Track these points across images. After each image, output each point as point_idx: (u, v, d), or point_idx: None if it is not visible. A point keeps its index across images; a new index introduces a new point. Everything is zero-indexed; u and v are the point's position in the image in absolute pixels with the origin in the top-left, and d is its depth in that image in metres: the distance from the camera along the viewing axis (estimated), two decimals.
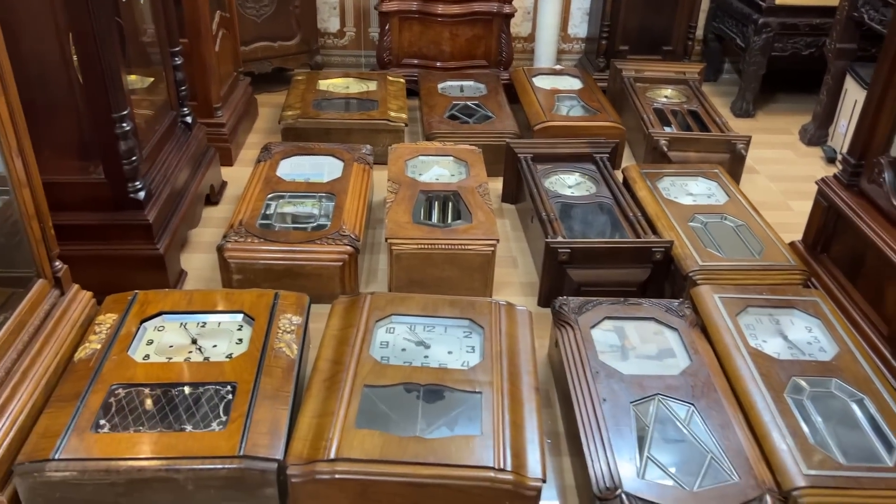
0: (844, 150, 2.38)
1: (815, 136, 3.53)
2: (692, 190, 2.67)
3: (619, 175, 2.84)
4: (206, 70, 2.96)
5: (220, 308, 1.96)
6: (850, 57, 3.31)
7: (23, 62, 1.92)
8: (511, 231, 2.83)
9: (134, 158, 2.15)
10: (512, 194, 2.96)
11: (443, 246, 2.29)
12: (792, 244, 2.50)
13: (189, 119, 2.70)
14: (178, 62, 2.61)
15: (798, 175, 3.25)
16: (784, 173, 3.28)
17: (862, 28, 3.22)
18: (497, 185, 3.01)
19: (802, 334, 1.96)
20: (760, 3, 3.55)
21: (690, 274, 2.19)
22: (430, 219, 2.51)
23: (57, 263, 1.87)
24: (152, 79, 2.60)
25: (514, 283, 2.54)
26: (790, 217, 2.89)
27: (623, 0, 3.76)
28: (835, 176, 2.35)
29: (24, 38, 1.98)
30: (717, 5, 4.08)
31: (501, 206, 2.98)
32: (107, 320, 1.88)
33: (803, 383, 1.78)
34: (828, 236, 2.34)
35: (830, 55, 3.36)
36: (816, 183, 2.40)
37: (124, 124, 2.08)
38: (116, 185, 2.15)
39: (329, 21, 4.16)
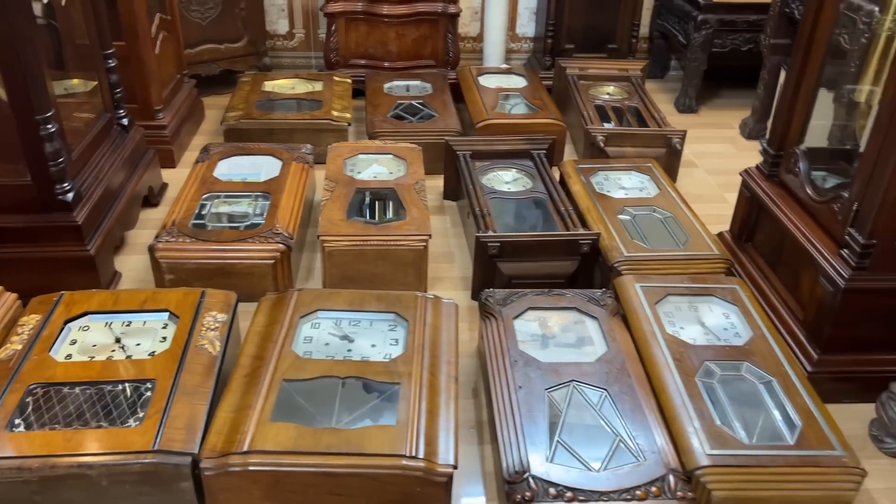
0: None
1: (755, 129, 3.61)
2: (625, 184, 2.72)
3: (558, 171, 2.89)
4: (145, 72, 2.96)
5: (146, 307, 1.96)
6: (784, 52, 3.39)
7: None
8: (451, 227, 2.87)
9: (61, 160, 2.15)
10: (453, 191, 2.99)
11: (375, 242, 2.32)
12: (720, 234, 2.56)
13: (125, 121, 2.70)
14: (112, 64, 2.61)
15: (736, 168, 3.27)
16: (722, 167, 3.35)
17: (794, 24, 3.29)
18: (440, 182, 3.05)
19: (719, 320, 2.01)
20: (699, 0, 3.62)
21: (615, 264, 2.24)
22: (367, 216, 2.54)
23: None
24: (86, 81, 2.60)
25: (451, 277, 2.58)
26: (725, 209, 2.94)
27: None
28: (757, 167, 2.41)
29: None
30: (661, 3, 4.15)
31: (443, 203, 3.02)
32: (30, 321, 1.89)
33: (715, 367, 1.83)
34: (751, 226, 2.41)
35: (766, 50, 3.44)
36: (740, 174, 2.46)
37: (49, 126, 2.08)
38: (43, 187, 2.15)
39: (278, 23, 4.17)
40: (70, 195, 2.19)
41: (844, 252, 1.92)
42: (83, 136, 2.42)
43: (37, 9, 2.23)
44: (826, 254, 1.98)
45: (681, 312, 2.04)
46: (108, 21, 2.59)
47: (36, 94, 2.04)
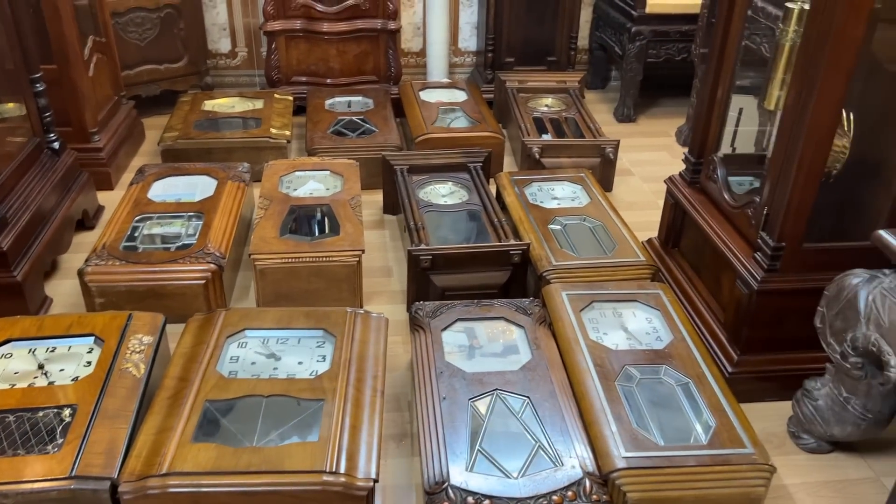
0: None
1: (689, 137, 3.69)
2: (557, 194, 2.77)
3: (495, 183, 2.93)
4: (78, 95, 2.93)
5: (71, 332, 1.95)
6: None
7: None
8: (390, 241, 2.89)
9: None
10: (392, 205, 3.02)
11: (307, 259, 2.33)
12: (649, 241, 2.62)
13: (56, 145, 2.68)
14: (40, 88, 2.60)
15: (669, 175, 3.40)
16: (657, 174, 3.41)
17: None
18: (380, 197, 3.07)
19: (642, 325, 2.06)
20: (632, 12, 3.71)
21: (544, 273, 2.28)
22: (302, 234, 2.55)
23: None
24: (13, 105, 2.58)
25: (388, 291, 2.60)
26: (658, 215, 3.01)
27: (505, 14, 3.88)
28: (680, 174, 2.48)
29: None
30: (598, 16, 4.24)
31: (383, 217, 3.04)
32: None
33: (635, 371, 1.87)
34: (677, 232, 2.47)
35: (696, 60, 3.54)
36: (665, 182, 2.53)
37: None
38: None
39: (220, 42, 4.17)
40: None
41: (757, 255, 1.98)
42: (9, 161, 2.40)
43: None
44: (742, 257, 2.04)
45: (605, 319, 2.08)
46: (35, 45, 2.58)
47: None
